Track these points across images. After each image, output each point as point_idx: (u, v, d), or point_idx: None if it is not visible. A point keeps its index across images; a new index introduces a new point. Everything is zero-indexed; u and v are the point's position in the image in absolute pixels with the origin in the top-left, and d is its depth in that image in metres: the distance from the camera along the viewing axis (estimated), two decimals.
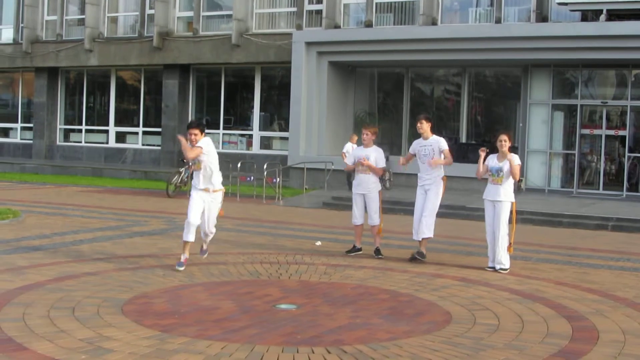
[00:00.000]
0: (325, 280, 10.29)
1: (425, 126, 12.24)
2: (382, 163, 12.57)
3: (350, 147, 22.32)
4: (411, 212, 16.55)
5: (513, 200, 11.41)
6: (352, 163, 12.70)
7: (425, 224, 12.02)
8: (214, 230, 11.09)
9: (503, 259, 11.27)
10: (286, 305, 8.54)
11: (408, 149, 27.15)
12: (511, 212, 11.38)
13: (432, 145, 12.12)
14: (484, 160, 11.62)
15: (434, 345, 7.03)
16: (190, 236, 10.64)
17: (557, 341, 7.31)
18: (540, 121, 25.62)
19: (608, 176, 25.42)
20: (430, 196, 12.07)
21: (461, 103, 27.58)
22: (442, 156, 12.05)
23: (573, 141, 25.43)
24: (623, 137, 25.00)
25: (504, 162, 11.31)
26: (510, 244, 11.33)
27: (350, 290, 9.63)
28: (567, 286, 10.30)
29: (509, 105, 27.96)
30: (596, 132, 25.26)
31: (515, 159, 11.35)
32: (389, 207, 19.03)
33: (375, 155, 12.50)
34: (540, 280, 10.67)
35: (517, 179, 11.35)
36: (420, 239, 12.09)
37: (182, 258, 10.65)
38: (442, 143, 12.20)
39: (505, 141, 11.36)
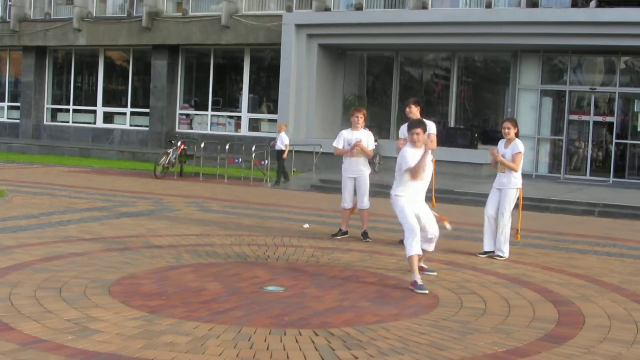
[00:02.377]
0: (313, 262, 10.30)
1: (414, 110, 12.18)
2: (372, 145, 12.57)
3: (284, 137, 22.06)
4: None
5: (519, 186, 11.33)
6: (343, 147, 12.60)
7: None
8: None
9: (503, 247, 11.23)
10: (274, 288, 8.55)
11: (396, 133, 27.14)
12: (517, 198, 11.34)
13: None
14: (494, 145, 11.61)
15: (421, 329, 7.05)
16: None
17: (544, 325, 7.34)
18: (529, 107, 25.67)
19: (595, 162, 25.52)
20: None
21: (450, 87, 27.58)
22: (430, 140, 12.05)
23: (561, 127, 25.50)
24: (611, 124, 25.10)
25: (508, 149, 11.25)
26: (517, 230, 11.30)
27: (338, 273, 9.65)
28: (553, 271, 10.34)
29: (498, 91, 27.98)
30: (584, 118, 25.34)
31: (516, 146, 11.20)
32: (377, 190, 19.03)
33: (366, 139, 12.48)
34: (527, 265, 10.71)
35: (516, 169, 11.19)
36: None
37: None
38: (431, 127, 12.16)
39: (508, 128, 11.26)
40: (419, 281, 8.72)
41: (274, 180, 22.31)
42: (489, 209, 11.40)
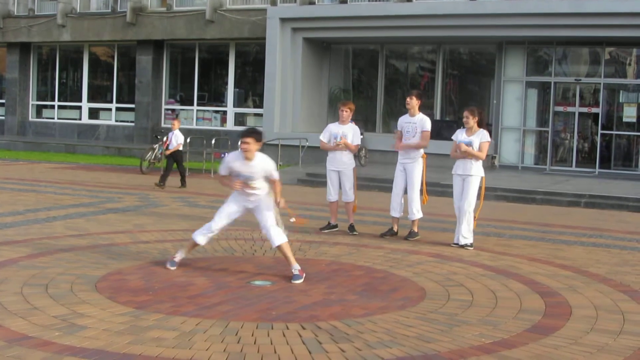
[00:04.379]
0: (300, 256, 10.27)
1: (414, 102, 12.22)
2: (357, 140, 12.55)
3: (178, 135, 19.22)
4: (386, 189, 16.61)
5: (482, 175, 11.40)
6: (328, 140, 12.61)
7: (414, 206, 12.13)
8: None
9: (466, 233, 11.28)
10: (261, 282, 8.54)
11: (382, 126, 27.10)
12: (480, 187, 11.40)
13: (416, 124, 12.09)
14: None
15: (408, 321, 7.06)
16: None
17: (531, 317, 7.36)
18: (514, 98, 25.72)
19: (581, 153, 25.59)
20: (412, 176, 12.09)
21: (436, 80, 27.60)
22: (421, 137, 12.08)
23: (546, 118, 25.56)
24: (596, 115, 25.16)
25: (472, 136, 11.28)
26: (474, 218, 11.34)
27: (325, 266, 9.65)
28: (540, 262, 10.36)
29: (483, 83, 28.03)
30: (569, 109, 25.40)
31: (484, 135, 11.28)
32: (364, 183, 19.04)
33: (351, 133, 12.47)
34: (514, 257, 10.73)
35: (483, 157, 11.26)
36: (412, 220, 12.20)
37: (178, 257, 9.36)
38: (426, 123, 12.15)
39: (467, 117, 11.34)
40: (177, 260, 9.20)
41: (163, 183, 18.92)
42: (458, 200, 11.44)
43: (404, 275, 9.22)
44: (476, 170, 11.29)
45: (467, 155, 11.28)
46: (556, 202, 18.08)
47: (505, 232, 13.12)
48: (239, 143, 8.92)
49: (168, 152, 19.38)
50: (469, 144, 11.24)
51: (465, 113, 11.41)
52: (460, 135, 11.39)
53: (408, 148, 12.07)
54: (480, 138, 11.24)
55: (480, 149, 11.21)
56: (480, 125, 11.39)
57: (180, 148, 19.48)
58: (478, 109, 11.54)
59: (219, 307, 7.34)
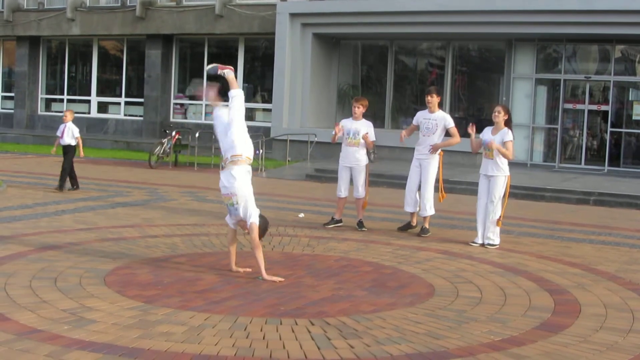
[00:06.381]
0: (309, 252, 10.29)
1: (435, 100, 12.32)
2: (372, 137, 12.56)
3: (73, 128, 17.05)
4: (394, 185, 16.61)
5: (507, 174, 11.32)
6: (338, 135, 12.60)
7: (428, 202, 12.15)
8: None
9: (492, 235, 11.23)
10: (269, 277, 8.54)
11: (391, 122, 27.06)
12: (505, 186, 11.34)
13: (437, 120, 12.16)
14: (478, 133, 11.54)
15: (417, 318, 7.05)
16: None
17: (540, 314, 7.35)
18: (524, 95, 25.65)
19: (590, 151, 25.51)
20: (427, 172, 12.12)
21: (445, 76, 27.52)
22: (452, 135, 12.19)
23: (556, 116, 25.49)
24: (605, 112, 25.07)
25: (496, 135, 11.24)
26: (499, 217, 11.30)
27: (334, 262, 9.64)
28: (549, 260, 10.34)
29: (493, 79, 27.93)
30: (579, 107, 25.31)
31: (506, 134, 11.22)
32: (372, 179, 18.98)
33: (365, 129, 12.48)
34: (523, 254, 10.71)
35: (510, 157, 11.19)
36: (424, 217, 12.20)
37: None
38: (449, 120, 12.24)
39: (499, 112, 11.27)
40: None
41: (59, 185, 16.55)
42: (482, 199, 11.41)
43: (412, 271, 9.21)
44: (499, 170, 11.22)
45: (488, 150, 11.25)
46: (565, 200, 18.04)
47: (514, 229, 13.09)
48: None
49: (82, 154, 17.61)
50: (486, 144, 11.24)
51: (498, 108, 11.36)
52: (486, 134, 11.36)
53: (448, 145, 12.21)
54: (502, 137, 11.18)
55: (506, 148, 11.14)
56: (507, 124, 11.33)
57: (81, 143, 17.31)
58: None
59: (228, 302, 7.34)
